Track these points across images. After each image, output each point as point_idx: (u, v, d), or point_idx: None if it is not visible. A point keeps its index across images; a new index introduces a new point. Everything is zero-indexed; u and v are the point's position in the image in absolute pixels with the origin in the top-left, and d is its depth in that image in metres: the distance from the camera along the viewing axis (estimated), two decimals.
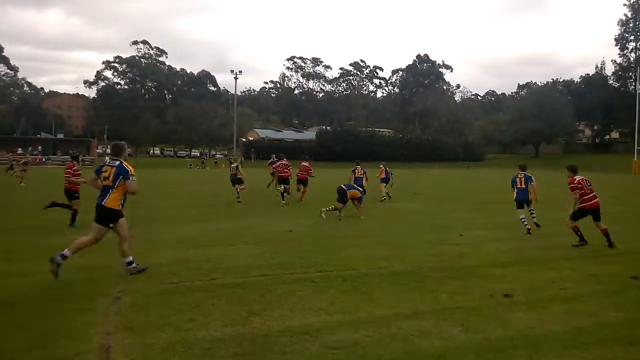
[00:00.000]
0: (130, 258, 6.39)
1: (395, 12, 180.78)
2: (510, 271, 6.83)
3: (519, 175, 11.08)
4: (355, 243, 8.87)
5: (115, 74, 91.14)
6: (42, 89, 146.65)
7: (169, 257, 7.45)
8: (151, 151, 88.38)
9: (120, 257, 6.44)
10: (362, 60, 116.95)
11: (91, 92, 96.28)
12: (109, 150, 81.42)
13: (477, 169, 61.20)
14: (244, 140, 71.54)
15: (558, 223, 11.57)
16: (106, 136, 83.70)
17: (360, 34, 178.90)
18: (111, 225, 6.29)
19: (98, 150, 78.48)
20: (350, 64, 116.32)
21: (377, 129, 76.65)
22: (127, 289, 5.70)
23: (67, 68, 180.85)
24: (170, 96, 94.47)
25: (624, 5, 76.09)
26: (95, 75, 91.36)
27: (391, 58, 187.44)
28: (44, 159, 62.09)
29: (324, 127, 74.89)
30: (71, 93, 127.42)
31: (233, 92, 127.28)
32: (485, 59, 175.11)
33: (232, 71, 62.24)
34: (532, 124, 72.64)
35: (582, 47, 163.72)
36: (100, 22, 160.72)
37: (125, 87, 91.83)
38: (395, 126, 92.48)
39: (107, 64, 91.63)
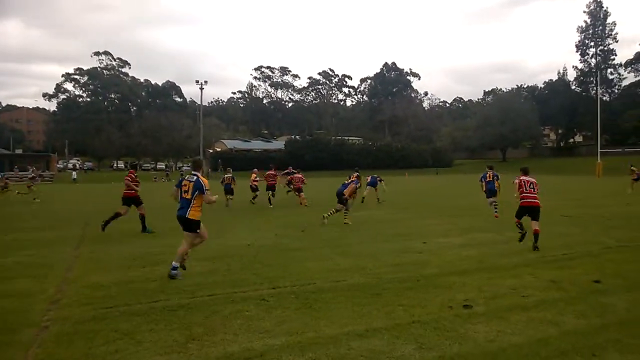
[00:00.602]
0: (177, 264, 6.91)
1: (363, 21, 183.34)
2: (472, 279, 6.60)
3: (488, 172, 14.02)
4: (315, 255, 8.51)
5: (77, 86, 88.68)
6: None
7: (112, 278, 6.90)
8: (115, 164, 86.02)
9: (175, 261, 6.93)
10: (330, 69, 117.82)
11: (52, 106, 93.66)
12: (70, 165, 79.05)
13: (446, 175, 62.08)
14: (211, 151, 70.41)
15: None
16: (67, 150, 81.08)
17: (329, 43, 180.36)
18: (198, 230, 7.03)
19: (59, 165, 75.89)
20: (319, 73, 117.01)
21: (347, 138, 76.86)
22: (57, 316, 5.17)
23: (28, 81, 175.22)
24: (134, 108, 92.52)
25: (584, 12, 79.18)
26: (55, 88, 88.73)
27: (360, 67, 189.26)
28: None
29: (292, 136, 74.57)
30: (31, 107, 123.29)
31: (199, 103, 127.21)
32: (453, 66, 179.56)
33: (197, 81, 61.20)
34: (497, 130, 74.35)
35: (547, 55, 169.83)
36: (62, 34, 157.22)
37: (87, 99, 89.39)
38: (364, 134, 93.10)
39: (68, 76, 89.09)
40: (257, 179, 20.09)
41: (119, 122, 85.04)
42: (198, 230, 6.99)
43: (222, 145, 73.29)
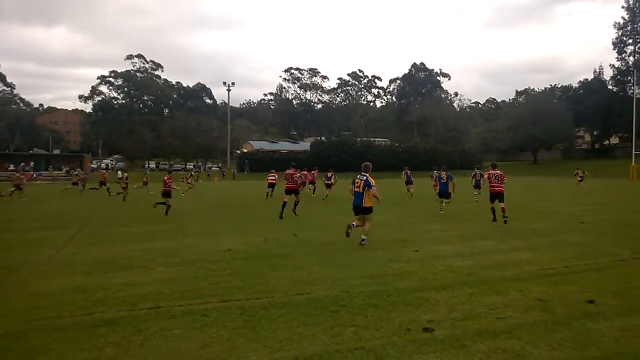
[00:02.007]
0: (364, 237, 9.57)
1: (394, 22, 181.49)
2: (449, 295, 5.91)
3: (442, 174, 14.87)
4: (293, 263, 7.95)
5: (111, 88, 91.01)
6: (41, 105, 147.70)
7: (66, 284, 6.57)
8: (146, 164, 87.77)
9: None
10: (360, 70, 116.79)
11: (88, 108, 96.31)
12: (103, 165, 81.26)
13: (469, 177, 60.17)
14: (238, 152, 70.86)
15: (529, 234, 10.71)
16: (100, 150, 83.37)
17: (358, 44, 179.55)
18: (366, 215, 9.69)
19: (92, 165, 78.03)
20: (349, 74, 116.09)
21: (373, 139, 75.85)
22: None
23: (70, 85, 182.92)
24: (166, 109, 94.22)
25: (622, 7, 75.54)
26: (91, 90, 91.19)
27: (390, 67, 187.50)
28: (34, 175, 61.48)
29: (319, 137, 74.17)
30: (69, 109, 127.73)
31: (229, 105, 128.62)
32: (487, 67, 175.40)
33: (224, 83, 61.82)
34: (529, 131, 71.81)
35: (587, 55, 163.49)
36: (104, 39, 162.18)
37: (121, 101, 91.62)
38: (392, 135, 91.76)
39: (103, 79, 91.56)
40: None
41: (150, 123, 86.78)
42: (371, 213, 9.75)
43: (249, 146, 73.66)
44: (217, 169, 75.92)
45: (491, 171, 13.62)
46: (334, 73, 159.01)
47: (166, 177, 17.05)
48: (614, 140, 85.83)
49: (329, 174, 24.02)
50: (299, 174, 18.06)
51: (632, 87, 74.19)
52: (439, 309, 5.34)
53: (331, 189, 23.55)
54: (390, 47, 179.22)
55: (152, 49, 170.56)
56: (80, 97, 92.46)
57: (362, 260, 8.13)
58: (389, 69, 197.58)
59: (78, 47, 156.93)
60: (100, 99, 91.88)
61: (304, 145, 74.65)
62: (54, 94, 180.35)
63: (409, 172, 25.74)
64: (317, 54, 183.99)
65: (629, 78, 73.63)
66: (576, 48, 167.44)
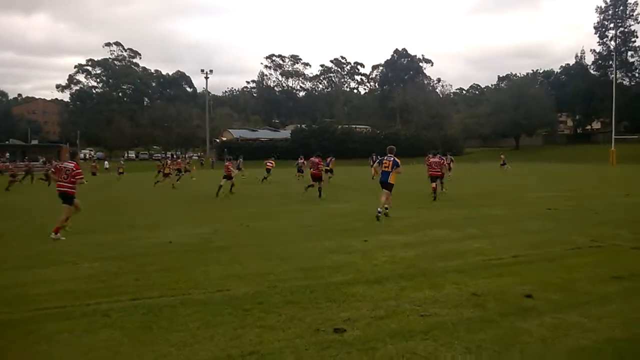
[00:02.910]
0: (379, 209, 11.08)
1: (379, 7, 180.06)
2: (380, 289, 5.49)
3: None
4: (230, 257, 7.48)
5: (89, 77, 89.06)
6: (19, 95, 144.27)
7: None
8: (126, 155, 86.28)
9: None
10: (342, 57, 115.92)
11: (66, 97, 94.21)
12: (81, 156, 79.55)
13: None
14: (217, 141, 69.89)
15: (488, 221, 10.35)
16: (78, 141, 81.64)
17: (342, 31, 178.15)
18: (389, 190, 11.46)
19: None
20: (331, 61, 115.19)
21: (354, 126, 75.33)
22: None
23: (52, 74, 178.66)
24: (145, 98, 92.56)
25: None
26: (68, 79, 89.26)
27: (374, 54, 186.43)
28: (9, 166, 60.01)
29: (299, 125, 73.43)
30: (48, 99, 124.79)
31: (212, 93, 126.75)
32: (472, 53, 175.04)
33: (202, 71, 60.54)
34: (510, 116, 71.83)
35: (571, 39, 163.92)
36: (87, 27, 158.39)
37: (100, 90, 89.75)
38: (375, 122, 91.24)
39: (80, 67, 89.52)
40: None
41: (130, 112, 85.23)
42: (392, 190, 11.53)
43: (228, 134, 72.64)
44: (197, 157, 74.83)
45: (431, 159, 16.74)
46: (316, 60, 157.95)
47: (227, 164, 19.80)
48: (596, 125, 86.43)
49: (329, 160, 25.50)
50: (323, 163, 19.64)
51: (614, 72, 74.77)
52: (363, 306, 4.92)
53: (332, 173, 25.42)
54: (374, 33, 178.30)
55: (135, 37, 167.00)
56: (57, 86, 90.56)
57: (304, 252, 7.70)
58: (372, 55, 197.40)
59: (59, 35, 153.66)
60: (78, 88, 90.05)
61: (285, 133, 73.89)
62: (35, 83, 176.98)
63: (374, 157, 29.82)
64: (299, 41, 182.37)
65: (610, 62, 73.91)
66: (562, 33, 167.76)
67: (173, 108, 77.43)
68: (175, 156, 61.92)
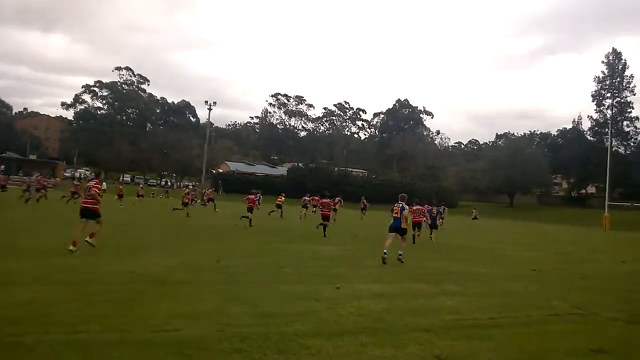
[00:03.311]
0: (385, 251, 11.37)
1: (386, 59, 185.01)
2: (338, 344, 5.05)
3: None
4: (188, 293, 7.03)
5: (94, 97, 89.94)
6: (25, 109, 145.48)
7: None
8: (121, 178, 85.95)
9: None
10: (345, 102, 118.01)
11: (70, 115, 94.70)
12: (77, 174, 79.19)
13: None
14: (213, 172, 69.80)
15: (470, 278, 9.93)
16: (75, 159, 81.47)
17: (347, 77, 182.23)
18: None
19: (66, 174, 75.97)
20: (334, 105, 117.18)
21: (350, 169, 75.57)
22: None
23: (63, 92, 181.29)
24: (148, 124, 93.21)
25: (602, 62, 77.82)
26: (74, 99, 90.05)
27: (377, 101, 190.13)
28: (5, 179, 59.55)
29: (296, 163, 73.66)
30: (53, 115, 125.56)
31: (215, 125, 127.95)
32: (475, 109, 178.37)
33: (206, 102, 61.23)
34: (506, 173, 72.30)
35: (573, 105, 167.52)
36: (101, 50, 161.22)
37: (103, 111, 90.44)
38: (372, 167, 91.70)
39: (87, 88, 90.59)
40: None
41: (131, 136, 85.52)
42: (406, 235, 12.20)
43: (225, 166, 72.63)
44: (191, 186, 74.50)
45: (413, 207, 17.11)
46: (320, 102, 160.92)
47: (251, 197, 20.96)
48: (591, 189, 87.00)
49: (337, 200, 26.38)
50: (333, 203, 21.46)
51: (609, 139, 75.92)
52: None
53: (335, 212, 25.31)
54: (379, 81, 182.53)
55: (146, 64, 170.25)
56: (62, 104, 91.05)
57: (269, 295, 7.26)
58: (375, 102, 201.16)
59: (74, 55, 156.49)
60: (82, 107, 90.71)
61: (281, 170, 74.00)
62: (45, 99, 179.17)
63: (365, 201, 34.69)
64: (305, 82, 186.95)
65: (606, 130, 75.26)
66: (562, 99, 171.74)
67: (174, 135, 77.75)
68: (192, 185, 61.83)
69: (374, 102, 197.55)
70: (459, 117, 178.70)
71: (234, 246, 13.23)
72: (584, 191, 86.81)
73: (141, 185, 46.30)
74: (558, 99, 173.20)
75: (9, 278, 7.22)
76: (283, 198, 31.83)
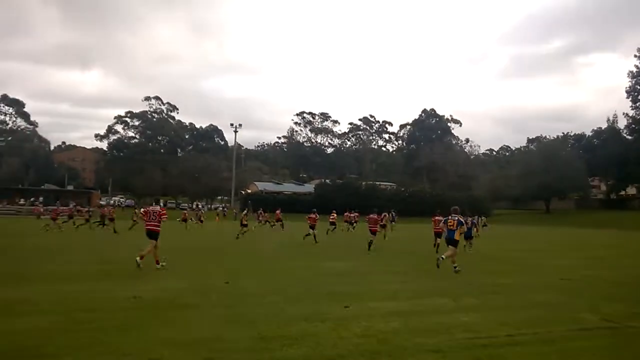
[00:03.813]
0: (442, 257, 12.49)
1: (410, 69, 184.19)
2: None
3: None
4: (186, 317, 6.81)
5: (126, 128, 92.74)
6: (63, 142, 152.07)
7: None
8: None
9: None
10: (371, 115, 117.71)
11: (104, 146, 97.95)
12: (111, 202, 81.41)
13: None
14: (243, 192, 70.45)
15: (492, 291, 9.33)
16: (110, 188, 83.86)
17: (371, 90, 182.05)
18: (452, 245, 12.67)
19: (102, 202, 78.27)
20: (360, 119, 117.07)
21: (378, 183, 74.77)
22: None
23: (98, 124, 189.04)
24: (178, 149, 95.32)
25: (635, 56, 74.91)
26: (107, 130, 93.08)
27: (404, 113, 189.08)
28: (42, 209, 61.89)
29: (323, 180, 73.52)
30: (88, 147, 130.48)
31: (244, 147, 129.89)
32: (505, 115, 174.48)
33: (232, 124, 62.02)
34: (541, 178, 69.89)
35: (605, 103, 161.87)
36: (135, 82, 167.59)
37: (135, 140, 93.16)
38: (402, 180, 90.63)
39: (119, 119, 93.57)
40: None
41: (162, 162, 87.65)
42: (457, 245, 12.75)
43: (254, 187, 73.24)
44: (221, 208, 75.33)
45: (436, 217, 18.34)
46: (345, 117, 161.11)
47: (313, 215, 22.39)
48: (631, 190, 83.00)
49: (383, 215, 24.87)
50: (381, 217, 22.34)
51: None
52: None
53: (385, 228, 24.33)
54: (404, 93, 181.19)
55: (176, 92, 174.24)
56: (96, 135, 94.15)
57: (272, 317, 6.95)
58: (401, 114, 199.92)
59: (109, 89, 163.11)
60: (115, 138, 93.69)
61: (309, 187, 73.93)
62: (82, 132, 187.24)
63: (393, 213, 35.10)
64: (330, 99, 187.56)
65: None
66: (595, 98, 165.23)
67: (203, 159, 79.21)
68: (200, 205, 63.22)
69: (400, 113, 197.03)
70: (489, 123, 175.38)
71: (247, 266, 13.01)
72: (623, 193, 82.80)
73: (202, 211, 47.83)
74: (592, 99, 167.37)
75: (14, 306, 7.20)
76: (335, 215, 30.51)
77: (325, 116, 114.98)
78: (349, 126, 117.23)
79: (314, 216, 22.30)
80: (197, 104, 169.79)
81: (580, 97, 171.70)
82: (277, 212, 34.86)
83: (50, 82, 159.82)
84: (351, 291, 9.35)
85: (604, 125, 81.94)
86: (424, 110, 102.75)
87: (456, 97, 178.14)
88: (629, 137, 76.63)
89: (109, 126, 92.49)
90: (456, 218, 12.76)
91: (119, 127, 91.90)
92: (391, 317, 7.07)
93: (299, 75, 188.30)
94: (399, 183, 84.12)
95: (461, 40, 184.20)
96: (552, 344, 5.87)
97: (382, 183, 76.70)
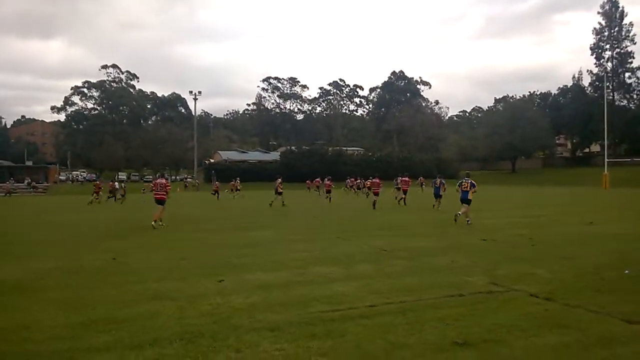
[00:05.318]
0: (459, 213, 14.59)
1: (378, 29, 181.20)
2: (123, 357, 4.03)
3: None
4: (28, 305, 6.05)
5: (83, 99, 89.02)
6: (23, 116, 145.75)
7: None
8: (116, 176, 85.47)
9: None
10: (341, 80, 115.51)
11: (62, 119, 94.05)
12: (72, 176, 78.81)
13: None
14: (206, 162, 68.95)
15: (396, 257, 8.83)
16: (69, 162, 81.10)
17: (341, 54, 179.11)
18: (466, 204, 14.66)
19: (61, 177, 75.70)
20: (330, 84, 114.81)
21: (345, 148, 74.11)
22: None
23: (62, 97, 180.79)
24: (139, 120, 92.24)
25: (598, 13, 74.75)
26: (63, 101, 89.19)
27: (375, 76, 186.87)
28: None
29: (289, 147, 72.43)
30: (48, 121, 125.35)
31: (213, 115, 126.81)
32: (480, 76, 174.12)
33: (190, 92, 59.76)
34: (506, 138, 70.36)
35: (580, 62, 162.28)
36: (101, 52, 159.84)
37: (93, 112, 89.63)
38: (372, 144, 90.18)
39: (76, 89, 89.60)
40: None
41: (124, 134, 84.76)
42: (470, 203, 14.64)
43: (217, 156, 71.73)
44: (191, 179, 73.82)
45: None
46: (315, 83, 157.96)
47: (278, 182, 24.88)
48: (596, 147, 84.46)
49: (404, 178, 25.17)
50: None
51: (612, 93, 73.27)
52: None
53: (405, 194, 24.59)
54: (376, 56, 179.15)
55: (146, 61, 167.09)
56: (52, 108, 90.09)
57: (120, 297, 6.23)
58: (373, 78, 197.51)
59: (74, 60, 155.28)
60: (73, 110, 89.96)
61: (274, 155, 72.83)
62: (45, 106, 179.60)
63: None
64: (299, 64, 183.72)
65: (608, 84, 72.64)
66: (571, 57, 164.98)
67: (164, 129, 76.81)
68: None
69: (372, 77, 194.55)
70: (463, 85, 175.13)
71: (155, 239, 12.22)
72: (588, 150, 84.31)
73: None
74: (567, 58, 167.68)
75: None
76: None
77: (293, 81, 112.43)
78: (319, 91, 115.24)
79: (328, 182, 27.97)
80: (168, 73, 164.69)
81: (556, 57, 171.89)
82: (232, 182, 34.94)
83: (10, 53, 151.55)
84: (246, 262, 8.72)
85: (570, 83, 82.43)
86: (393, 73, 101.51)
87: (430, 59, 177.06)
88: (593, 94, 77.28)
89: (65, 97, 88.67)
90: (469, 181, 14.88)
91: (76, 99, 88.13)
92: (257, 291, 6.44)
93: (270, 40, 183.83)
94: (370, 147, 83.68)
95: (434, 0, 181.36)
96: (409, 314, 5.32)
97: (349, 148, 76.04)
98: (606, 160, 48.98)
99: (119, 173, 79.53)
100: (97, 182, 35.98)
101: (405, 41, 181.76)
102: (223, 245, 11.09)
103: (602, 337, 4.54)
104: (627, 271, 7.37)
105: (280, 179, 25.59)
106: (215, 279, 7.19)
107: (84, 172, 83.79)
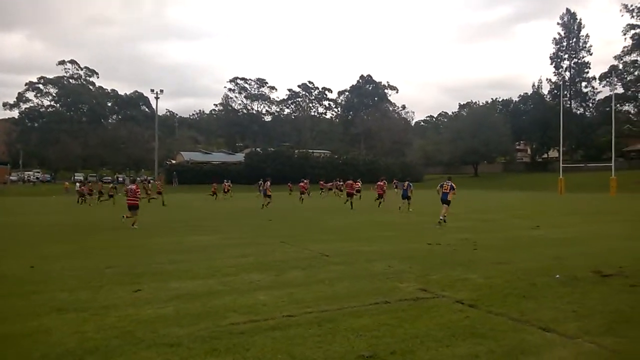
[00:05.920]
0: (441, 217, 15.47)
1: (349, 33, 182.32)
2: None
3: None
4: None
5: (39, 95, 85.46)
6: None
7: None
8: (72, 177, 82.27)
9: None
10: (310, 82, 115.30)
11: (15, 115, 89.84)
12: (24, 177, 75.00)
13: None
14: (167, 163, 67.33)
15: (333, 262, 8.60)
16: (21, 161, 77.63)
17: (310, 56, 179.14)
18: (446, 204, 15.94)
19: (12, 177, 72.30)
20: (299, 86, 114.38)
21: (311, 151, 73.92)
22: None
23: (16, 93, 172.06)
24: (99, 118, 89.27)
25: (557, 24, 77.28)
26: (17, 97, 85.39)
27: (344, 79, 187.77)
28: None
29: (253, 149, 71.66)
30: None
31: (178, 115, 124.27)
32: (448, 82, 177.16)
33: (152, 90, 58.22)
34: (468, 143, 71.75)
35: (544, 70, 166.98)
36: (63, 47, 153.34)
37: (50, 109, 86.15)
38: (339, 147, 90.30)
39: (30, 85, 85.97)
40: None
41: (82, 132, 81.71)
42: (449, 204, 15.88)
43: (180, 157, 70.20)
44: (152, 180, 71.77)
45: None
46: (284, 84, 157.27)
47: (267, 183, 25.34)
48: (554, 153, 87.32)
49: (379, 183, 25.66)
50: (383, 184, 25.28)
51: (569, 102, 75.87)
52: None
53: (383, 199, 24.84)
54: (345, 59, 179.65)
55: (111, 58, 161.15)
56: (5, 104, 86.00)
57: (22, 310, 5.75)
58: (343, 81, 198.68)
59: (34, 55, 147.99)
60: (27, 106, 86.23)
61: (239, 156, 71.88)
62: (2, 101, 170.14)
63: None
64: (268, 66, 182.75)
65: (566, 92, 75.20)
66: (534, 65, 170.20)
67: (125, 128, 74.52)
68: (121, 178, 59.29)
69: (341, 80, 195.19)
70: (431, 90, 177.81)
71: (104, 243, 11.66)
72: (546, 156, 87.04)
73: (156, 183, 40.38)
74: (530, 66, 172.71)
75: None
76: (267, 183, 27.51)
77: (261, 82, 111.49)
78: (288, 93, 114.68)
79: (303, 184, 31.17)
80: (134, 71, 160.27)
81: (521, 65, 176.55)
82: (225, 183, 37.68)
83: None
84: (177, 269, 8.32)
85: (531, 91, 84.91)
86: (362, 76, 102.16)
87: (401, 64, 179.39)
88: (552, 102, 79.82)
89: (19, 93, 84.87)
90: (450, 183, 16.23)
91: (31, 95, 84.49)
92: (173, 301, 6.07)
93: (240, 41, 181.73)
94: (337, 151, 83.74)
95: (405, 5, 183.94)
96: (325, 324, 5.05)
97: (316, 151, 75.89)
98: (561, 165, 50.41)
99: (76, 173, 76.63)
100: (84, 187, 34.55)
101: (376, 46, 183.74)
102: (161, 251, 10.60)
103: (515, 347, 4.40)
104: (557, 276, 7.38)
105: (269, 182, 25.01)
106: (133, 288, 6.76)
107: (38, 172, 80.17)
